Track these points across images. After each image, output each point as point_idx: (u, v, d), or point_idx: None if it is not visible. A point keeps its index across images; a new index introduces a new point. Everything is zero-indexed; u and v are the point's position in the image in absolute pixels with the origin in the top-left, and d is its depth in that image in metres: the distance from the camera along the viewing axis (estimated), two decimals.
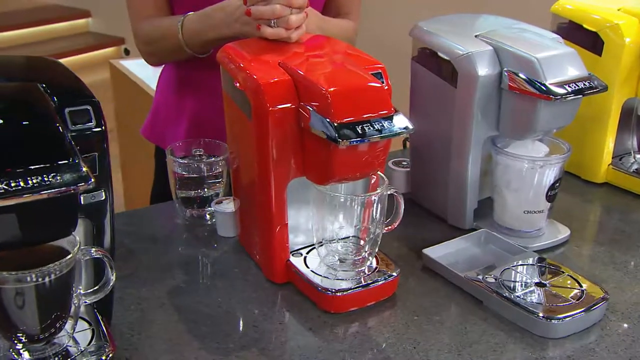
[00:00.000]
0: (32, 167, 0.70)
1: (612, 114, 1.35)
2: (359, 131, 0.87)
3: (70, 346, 0.84)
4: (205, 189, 1.22)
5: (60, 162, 0.72)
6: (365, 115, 0.89)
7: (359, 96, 0.90)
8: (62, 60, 0.89)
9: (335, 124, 0.87)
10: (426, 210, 1.27)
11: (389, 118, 0.90)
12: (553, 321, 0.93)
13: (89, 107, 0.81)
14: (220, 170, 1.21)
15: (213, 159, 1.21)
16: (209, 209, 1.21)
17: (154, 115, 1.47)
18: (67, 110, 0.80)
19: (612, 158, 1.40)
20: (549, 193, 1.12)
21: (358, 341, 0.92)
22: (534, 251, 1.11)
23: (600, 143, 1.37)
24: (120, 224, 1.19)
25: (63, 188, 0.70)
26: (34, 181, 0.69)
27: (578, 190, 1.38)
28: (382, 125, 0.89)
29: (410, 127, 0.91)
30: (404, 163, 1.34)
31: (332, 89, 0.89)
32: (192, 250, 1.15)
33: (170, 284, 1.04)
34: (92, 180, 0.73)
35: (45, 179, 0.70)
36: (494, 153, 1.14)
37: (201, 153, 1.25)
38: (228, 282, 1.05)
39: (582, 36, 1.35)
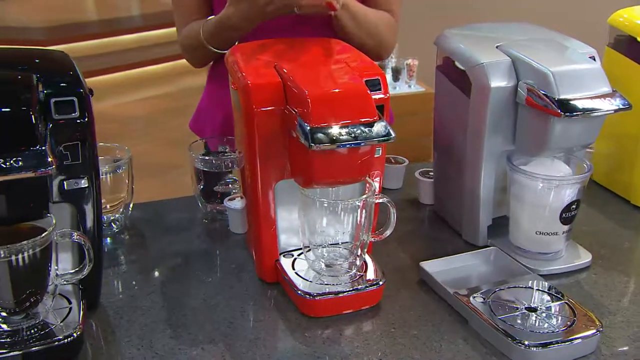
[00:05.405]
0: None
1: None
2: (334, 136, 0.87)
3: (49, 321, 0.89)
4: (230, 185, 1.26)
5: (26, 148, 0.78)
6: (343, 121, 0.88)
7: (341, 101, 0.90)
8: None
9: (310, 128, 0.87)
10: (447, 223, 1.24)
11: (369, 125, 0.89)
12: (532, 349, 0.88)
13: (74, 99, 0.87)
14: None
15: (232, 155, 1.24)
16: None
17: (198, 108, 1.52)
18: (52, 100, 0.86)
19: None
20: (564, 215, 1.06)
21: (325, 347, 0.91)
22: (544, 275, 1.05)
23: None
24: (142, 213, 1.25)
25: (22, 172, 0.76)
26: None
27: (623, 215, 1.29)
28: (360, 132, 0.88)
29: (392, 135, 0.89)
30: (430, 173, 1.30)
31: (312, 93, 0.89)
32: (200, 243, 1.18)
33: (166, 273, 1.08)
34: (53, 167, 0.78)
35: (7, 163, 0.76)
36: (508, 170, 1.09)
37: (226, 150, 1.28)
38: (221, 277, 1.07)
39: (637, 50, 1.26)
